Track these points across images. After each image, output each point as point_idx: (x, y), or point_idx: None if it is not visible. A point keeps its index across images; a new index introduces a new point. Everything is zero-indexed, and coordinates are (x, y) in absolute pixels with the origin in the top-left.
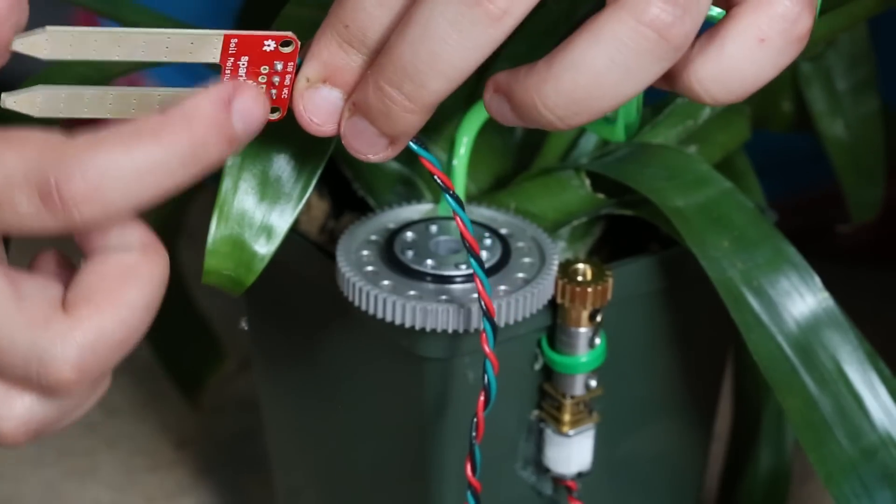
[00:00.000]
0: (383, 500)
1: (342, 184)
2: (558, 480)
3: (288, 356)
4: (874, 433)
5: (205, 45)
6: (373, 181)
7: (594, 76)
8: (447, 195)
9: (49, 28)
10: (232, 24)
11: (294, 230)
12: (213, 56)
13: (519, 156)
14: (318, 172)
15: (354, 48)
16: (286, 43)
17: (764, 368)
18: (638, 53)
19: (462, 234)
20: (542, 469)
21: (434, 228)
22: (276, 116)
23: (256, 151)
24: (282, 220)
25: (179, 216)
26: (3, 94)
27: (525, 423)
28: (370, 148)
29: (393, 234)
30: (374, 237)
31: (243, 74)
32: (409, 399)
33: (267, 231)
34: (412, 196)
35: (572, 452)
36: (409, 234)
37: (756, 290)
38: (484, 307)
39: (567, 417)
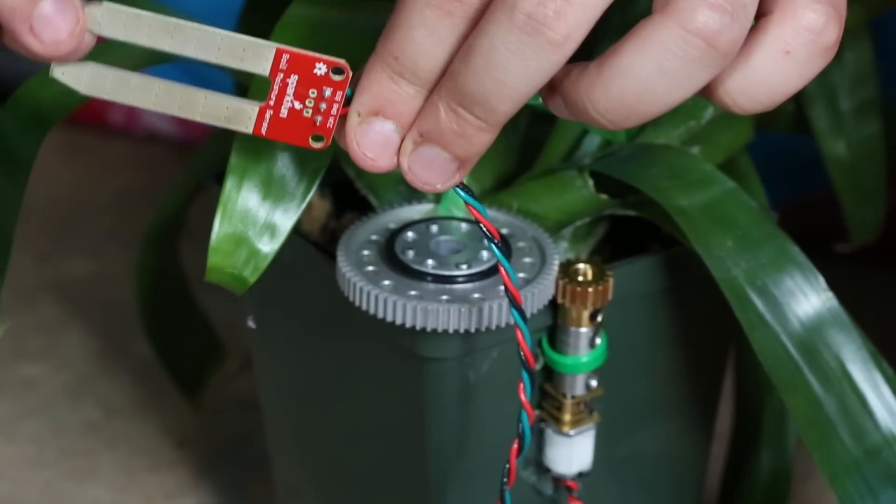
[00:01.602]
0: (383, 500)
1: (343, 183)
2: (559, 480)
3: (288, 356)
4: (878, 433)
5: (257, 54)
6: (375, 181)
7: (643, 83)
8: (458, 189)
9: (106, 3)
10: (233, 22)
11: (295, 230)
12: (264, 68)
13: (522, 156)
14: (322, 171)
15: (406, 79)
16: (338, 70)
17: (768, 368)
18: (686, 61)
19: (481, 224)
20: (542, 469)
21: (435, 228)
22: (319, 146)
23: (261, 151)
24: (285, 218)
25: (181, 216)
26: (53, 65)
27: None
28: (441, 176)
29: (394, 234)
30: (374, 237)
31: (291, 94)
32: (409, 399)
33: (270, 230)
34: (414, 196)
35: (573, 452)
36: (410, 234)
37: (760, 290)
38: (512, 300)
39: (568, 417)
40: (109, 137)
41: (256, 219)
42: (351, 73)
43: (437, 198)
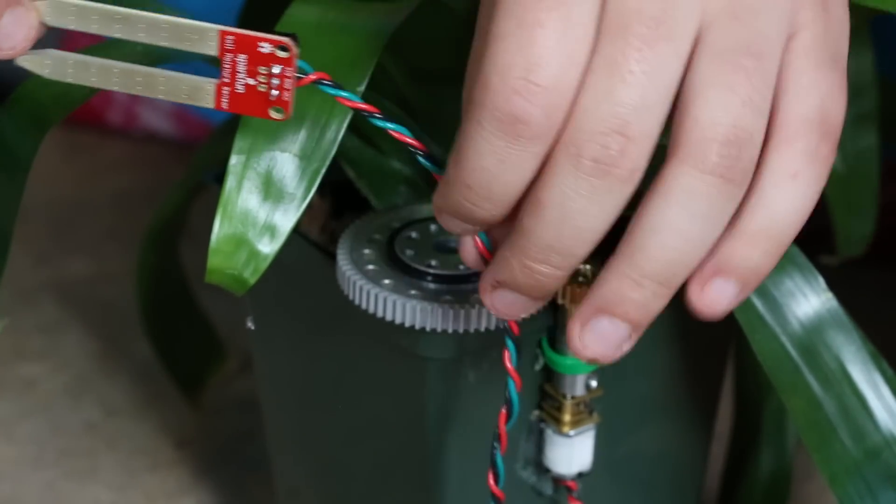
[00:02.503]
0: (383, 501)
1: (343, 184)
2: (558, 480)
3: (288, 356)
4: (878, 434)
5: (203, 37)
6: (376, 182)
7: (679, 233)
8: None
9: None
10: (234, 21)
11: (295, 230)
12: (212, 49)
13: None
14: (322, 172)
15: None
16: (283, 48)
17: (768, 369)
18: (711, 199)
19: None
20: (542, 469)
21: (435, 228)
22: (279, 116)
23: (261, 151)
24: (285, 219)
25: (181, 216)
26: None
27: (525, 423)
28: (523, 311)
29: (394, 234)
30: (375, 236)
31: (242, 71)
32: (409, 399)
33: (270, 230)
34: (415, 196)
35: (573, 452)
36: (411, 234)
37: (760, 291)
38: (505, 324)
39: (567, 417)
40: (108, 137)
41: (256, 220)
42: (297, 51)
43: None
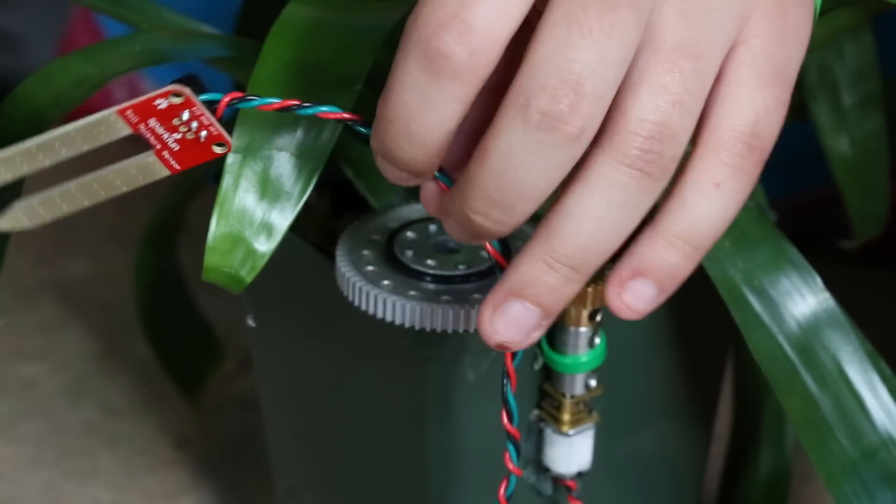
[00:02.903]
0: (383, 500)
1: (342, 184)
2: (558, 480)
3: (288, 356)
4: (875, 433)
5: (108, 125)
6: (375, 182)
7: (595, 219)
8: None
9: None
10: (232, 23)
11: (293, 230)
12: (125, 129)
13: None
14: (319, 171)
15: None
16: (175, 94)
17: (765, 368)
18: (627, 190)
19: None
20: (541, 469)
21: (434, 228)
22: (222, 150)
23: (257, 150)
24: (282, 218)
25: (179, 216)
26: None
27: (525, 422)
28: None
29: (393, 234)
30: (374, 237)
31: (163, 132)
32: (409, 399)
33: (267, 229)
34: (414, 197)
35: (572, 452)
36: (410, 234)
37: (757, 290)
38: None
39: (567, 417)
40: None
41: (253, 218)
42: (189, 92)
43: None
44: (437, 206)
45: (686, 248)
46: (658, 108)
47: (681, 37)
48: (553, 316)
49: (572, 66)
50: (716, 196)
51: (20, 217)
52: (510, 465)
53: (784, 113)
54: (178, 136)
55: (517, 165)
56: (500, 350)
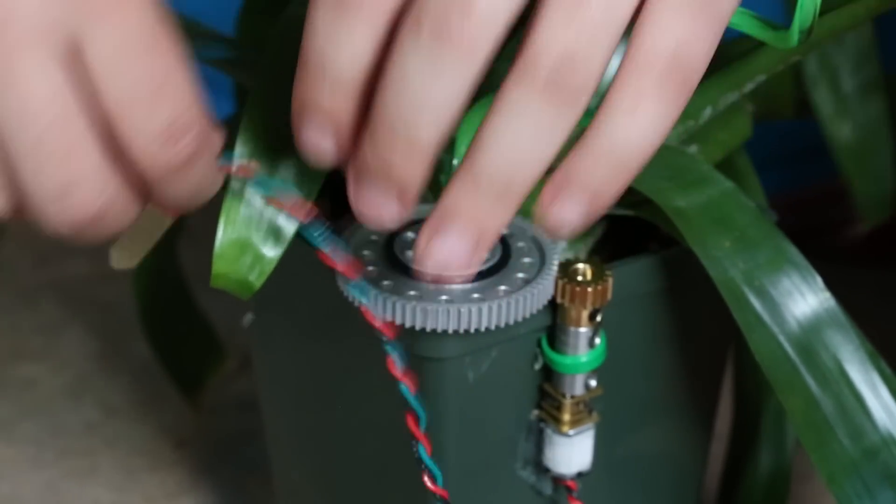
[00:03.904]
0: (383, 500)
1: (342, 185)
2: (558, 480)
3: (288, 356)
4: (876, 433)
5: None
6: None
7: (510, 144)
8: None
9: None
10: (232, 22)
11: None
12: None
13: None
14: (324, 175)
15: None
16: None
17: (765, 368)
18: (537, 115)
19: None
20: (541, 469)
21: None
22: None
23: (262, 155)
24: (289, 222)
25: (180, 216)
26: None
27: (525, 422)
28: (385, 212)
29: (393, 235)
30: (374, 237)
31: None
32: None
33: (274, 234)
34: None
35: (572, 452)
36: (410, 235)
37: (758, 290)
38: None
39: (567, 417)
40: None
41: (260, 223)
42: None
43: (436, 198)
44: (352, 173)
45: (610, 164)
46: (567, 36)
47: None
48: (488, 241)
49: None
50: (638, 116)
51: (125, 257)
52: (430, 486)
53: (709, 44)
54: None
55: (414, 86)
56: (438, 283)
